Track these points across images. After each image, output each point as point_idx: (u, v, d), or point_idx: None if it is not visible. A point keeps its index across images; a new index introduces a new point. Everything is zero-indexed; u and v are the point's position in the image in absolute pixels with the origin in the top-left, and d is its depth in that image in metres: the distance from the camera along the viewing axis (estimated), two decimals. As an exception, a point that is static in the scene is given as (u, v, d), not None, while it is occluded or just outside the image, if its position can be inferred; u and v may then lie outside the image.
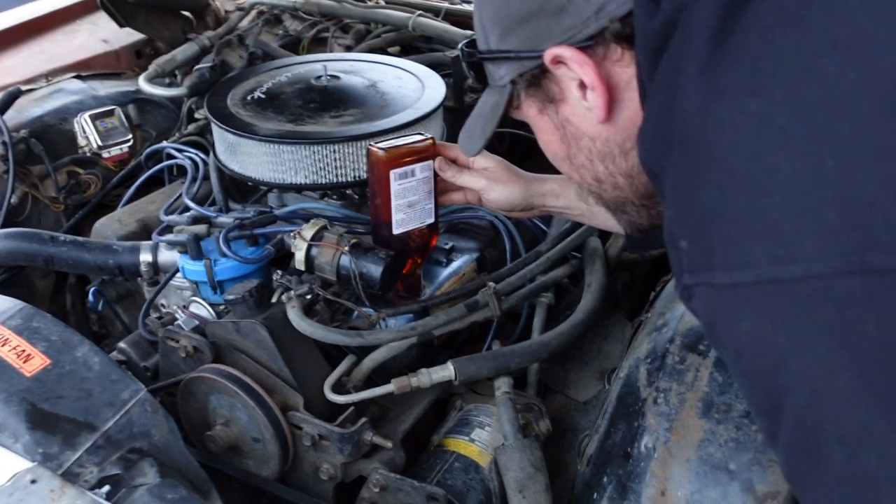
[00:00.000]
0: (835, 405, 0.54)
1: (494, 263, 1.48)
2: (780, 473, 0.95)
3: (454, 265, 1.41)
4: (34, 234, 1.37)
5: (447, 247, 1.42)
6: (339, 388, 1.17)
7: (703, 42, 0.60)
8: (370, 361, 1.22)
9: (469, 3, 2.11)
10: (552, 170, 0.98)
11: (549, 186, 1.25)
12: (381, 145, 1.23)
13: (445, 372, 1.17)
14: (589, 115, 0.81)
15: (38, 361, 1.01)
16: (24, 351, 1.02)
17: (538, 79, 0.83)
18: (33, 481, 0.87)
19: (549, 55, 0.78)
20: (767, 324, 0.56)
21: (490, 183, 1.24)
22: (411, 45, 2.05)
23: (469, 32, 1.89)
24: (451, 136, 1.61)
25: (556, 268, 1.37)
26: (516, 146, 1.85)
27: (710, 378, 1.06)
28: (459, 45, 0.94)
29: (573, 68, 0.78)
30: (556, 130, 0.86)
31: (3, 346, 1.02)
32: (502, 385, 1.19)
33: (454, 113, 1.76)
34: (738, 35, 0.58)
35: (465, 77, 1.87)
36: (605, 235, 1.45)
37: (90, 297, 1.38)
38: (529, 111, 0.87)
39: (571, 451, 1.27)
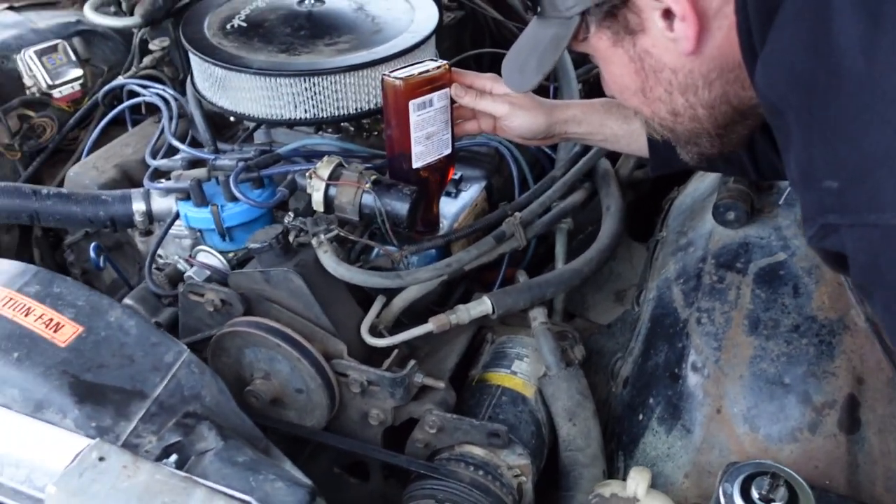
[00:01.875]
0: None
1: (500, 191, 1.45)
2: (835, 384, 0.98)
3: (466, 196, 1.37)
4: (15, 188, 1.25)
5: (456, 177, 1.38)
6: (372, 330, 1.14)
7: None
8: (401, 301, 1.19)
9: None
10: None
11: (572, 113, 1.22)
12: (396, 75, 1.16)
13: (483, 307, 1.15)
14: (673, 46, 0.78)
15: (69, 330, 0.93)
16: (51, 320, 0.94)
17: (616, 9, 0.79)
18: (101, 459, 0.81)
19: None
20: None
21: (513, 109, 1.19)
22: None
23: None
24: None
25: (571, 193, 1.35)
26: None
27: (753, 295, 1.08)
28: (516, -30, 0.88)
29: None
30: (630, 63, 0.82)
31: (26, 315, 0.94)
32: (538, 315, 1.19)
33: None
34: None
35: (440, -6, 1.79)
36: (612, 156, 1.44)
37: (91, 254, 1.28)
38: (599, 43, 0.83)
39: (599, 374, 1.29)
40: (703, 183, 1.38)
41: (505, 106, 1.19)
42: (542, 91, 1.74)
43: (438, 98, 1.19)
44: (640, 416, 1.13)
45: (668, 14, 0.75)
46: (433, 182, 1.24)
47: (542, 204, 1.30)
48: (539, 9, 0.88)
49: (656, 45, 0.79)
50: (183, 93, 1.53)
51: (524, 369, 1.17)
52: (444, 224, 1.32)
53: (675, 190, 1.47)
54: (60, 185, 1.51)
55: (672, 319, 1.15)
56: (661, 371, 1.12)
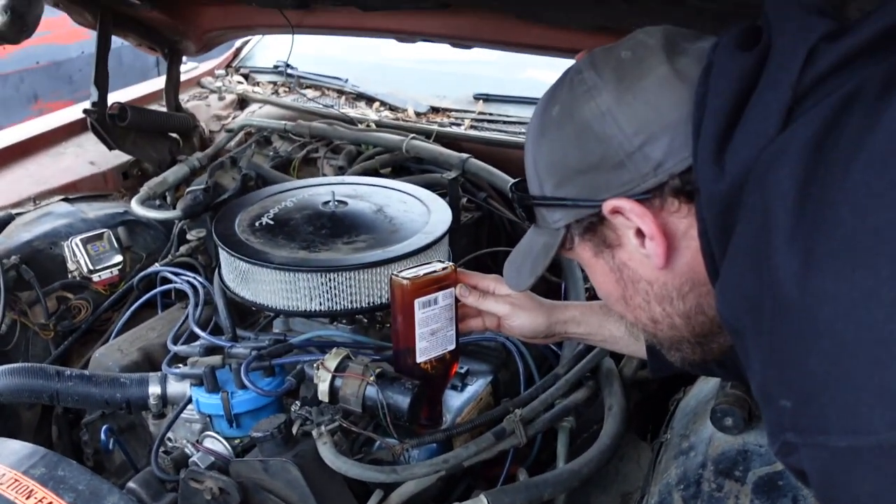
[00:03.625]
0: None
1: (507, 385, 1.48)
2: None
3: (471, 390, 1.40)
4: (39, 369, 1.32)
5: (462, 371, 1.42)
6: (368, 525, 1.14)
7: (787, 212, 0.63)
8: (398, 497, 1.19)
9: (457, 125, 2.18)
10: None
11: (571, 314, 1.27)
12: (404, 274, 1.24)
13: (479, 506, 1.15)
14: (646, 261, 0.84)
15: (66, 514, 0.96)
16: (51, 503, 0.96)
17: (594, 225, 0.86)
18: None
19: (608, 206, 0.81)
20: (891, 485, 0.57)
21: (514, 309, 1.25)
22: (402, 166, 2.10)
23: (464, 156, 1.95)
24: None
25: (574, 391, 1.37)
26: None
27: (751, 505, 1.06)
28: (510, 187, 0.97)
29: (631, 219, 0.81)
30: (611, 273, 0.88)
31: (27, 498, 0.97)
32: (536, 517, 1.17)
33: (451, 233, 1.79)
34: (825, 206, 0.62)
35: (459, 198, 1.91)
36: (617, 355, 1.47)
37: (102, 437, 1.32)
38: (583, 253, 0.90)
39: (602, 583, 1.25)
40: (708, 385, 1.38)
41: (507, 306, 1.25)
42: (553, 288, 1.82)
43: (443, 297, 1.25)
44: None
45: (640, 232, 0.82)
46: (437, 376, 1.28)
47: (544, 401, 1.32)
48: (533, 220, 0.96)
49: (632, 258, 0.85)
50: (213, 280, 1.62)
51: (520, 573, 1.14)
52: (448, 418, 1.34)
53: (681, 391, 1.47)
54: (86, 365, 1.58)
55: (671, 527, 1.12)
56: (661, 584, 1.08)
